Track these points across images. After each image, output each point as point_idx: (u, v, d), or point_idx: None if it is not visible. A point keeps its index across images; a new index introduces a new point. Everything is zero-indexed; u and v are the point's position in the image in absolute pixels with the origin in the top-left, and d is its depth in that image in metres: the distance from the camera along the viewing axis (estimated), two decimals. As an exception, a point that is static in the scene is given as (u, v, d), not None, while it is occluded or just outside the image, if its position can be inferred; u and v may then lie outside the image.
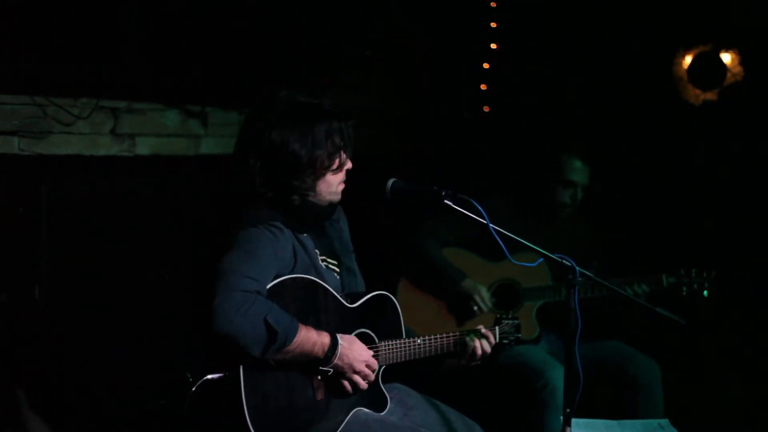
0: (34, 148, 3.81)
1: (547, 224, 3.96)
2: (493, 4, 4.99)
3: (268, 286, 2.50)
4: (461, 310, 3.84)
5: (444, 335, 2.87)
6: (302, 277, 2.61)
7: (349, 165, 2.75)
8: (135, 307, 4.00)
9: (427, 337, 2.83)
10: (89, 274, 3.89)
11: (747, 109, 4.48)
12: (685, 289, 3.78)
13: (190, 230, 4.21)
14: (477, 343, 2.88)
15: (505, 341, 2.99)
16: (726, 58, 4.58)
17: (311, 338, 2.50)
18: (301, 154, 2.62)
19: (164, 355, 4.03)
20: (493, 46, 5.01)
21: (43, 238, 3.79)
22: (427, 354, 2.84)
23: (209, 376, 2.48)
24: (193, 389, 2.48)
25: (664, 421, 2.96)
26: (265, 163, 2.63)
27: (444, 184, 2.71)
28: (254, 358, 2.41)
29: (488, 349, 2.90)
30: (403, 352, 2.79)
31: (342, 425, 2.61)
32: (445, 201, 2.65)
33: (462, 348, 2.89)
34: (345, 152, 2.72)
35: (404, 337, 2.83)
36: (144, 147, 4.16)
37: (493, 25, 4.99)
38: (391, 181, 2.72)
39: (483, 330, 2.92)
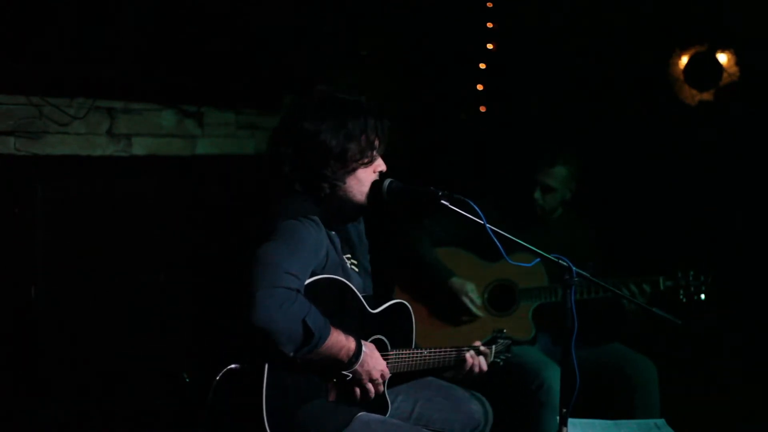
0: (30, 148, 3.80)
1: (540, 224, 3.95)
2: (489, 5, 4.99)
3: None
4: (451, 308, 3.83)
5: (447, 349, 2.92)
6: (334, 279, 2.62)
7: (383, 167, 2.75)
8: (131, 307, 4.00)
9: (433, 350, 2.88)
10: (85, 274, 3.88)
11: (743, 109, 4.48)
12: (682, 292, 3.77)
13: (185, 230, 4.21)
14: (475, 360, 2.94)
15: (497, 360, 3.08)
16: (722, 58, 4.58)
17: (340, 342, 2.52)
18: (332, 144, 2.62)
19: (161, 355, 4.02)
20: (490, 46, 5.01)
21: (39, 239, 3.78)
22: (431, 366, 2.90)
23: (232, 366, 2.47)
24: (218, 377, 2.46)
25: (661, 421, 2.96)
26: (296, 151, 2.64)
27: (439, 184, 2.71)
28: (282, 354, 2.41)
29: (485, 366, 2.98)
30: (410, 362, 2.83)
31: (345, 428, 2.61)
32: (442, 201, 2.64)
33: (461, 363, 2.94)
34: (377, 150, 2.72)
35: (413, 347, 2.87)
36: (140, 147, 4.16)
37: (490, 25, 4.99)
38: (387, 181, 2.71)
39: (482, 348, 2.99)
